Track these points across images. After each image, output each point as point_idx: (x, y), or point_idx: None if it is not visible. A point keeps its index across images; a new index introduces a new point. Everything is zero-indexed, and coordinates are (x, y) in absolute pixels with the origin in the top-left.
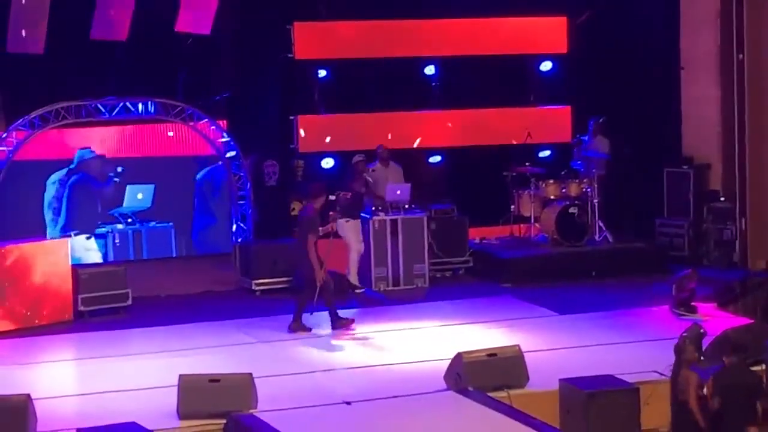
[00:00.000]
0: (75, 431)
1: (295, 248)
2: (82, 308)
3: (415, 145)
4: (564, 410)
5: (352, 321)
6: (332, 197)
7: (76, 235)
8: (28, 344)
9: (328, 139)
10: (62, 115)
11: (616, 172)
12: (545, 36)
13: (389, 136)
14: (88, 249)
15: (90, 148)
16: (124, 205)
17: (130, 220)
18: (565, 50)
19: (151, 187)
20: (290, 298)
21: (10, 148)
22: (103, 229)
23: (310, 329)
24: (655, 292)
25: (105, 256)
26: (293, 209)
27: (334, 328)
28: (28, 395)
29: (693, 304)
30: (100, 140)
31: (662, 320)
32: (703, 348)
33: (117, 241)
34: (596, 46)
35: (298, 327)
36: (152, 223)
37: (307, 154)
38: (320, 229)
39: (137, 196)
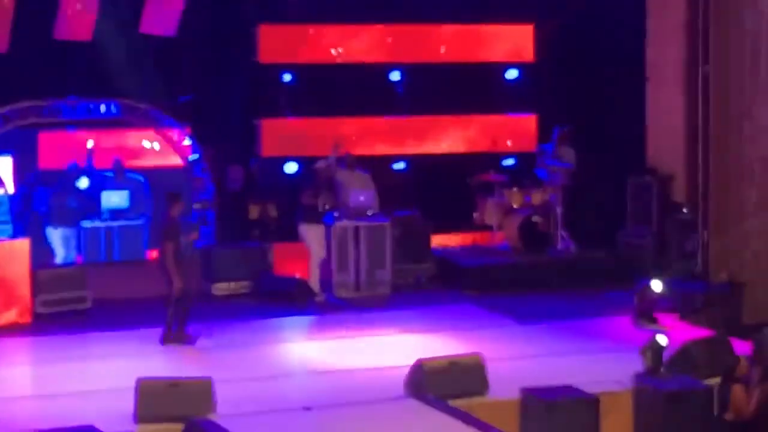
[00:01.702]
0: None
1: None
2: (40, 310)
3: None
4: (524, 420)
5: (194, 340)
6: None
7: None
8: None
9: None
10: (24, 115)
11: (580, 182)
12: (512, 44)
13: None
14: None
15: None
16: (102, 208)
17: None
18: (531, 58)
19: (126, 192)
20: (252, 302)
21: None
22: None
23: (194, 340)
24: (617, 302)
25: (78, 250)
26: (251, 213)
27: (165, 341)
28: None
29: (655, 314)
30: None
31: (624, 330)
32: (664, 359)
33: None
34: (563, 55)
35: (178, 337)
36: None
37: (270, 159)
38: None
39: (111, 199)
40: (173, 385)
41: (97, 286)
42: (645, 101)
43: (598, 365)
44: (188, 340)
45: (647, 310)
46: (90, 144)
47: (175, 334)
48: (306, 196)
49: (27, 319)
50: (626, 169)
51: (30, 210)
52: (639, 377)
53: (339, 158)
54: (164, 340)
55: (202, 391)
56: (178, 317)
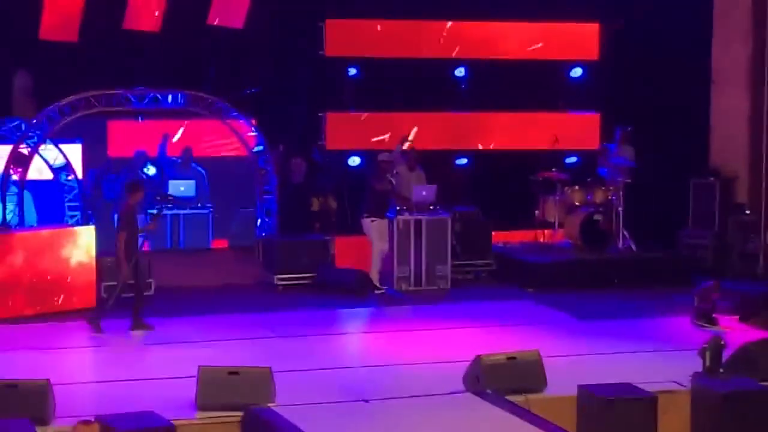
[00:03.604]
0: (93, 418)
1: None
2: (104, 296)
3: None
4: (581, 416)
5: (152, 328)
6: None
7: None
8: (50, 330)
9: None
10: (92, 104)
11: (642, 181)
12: (577, 42)
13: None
14: None
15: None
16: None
17: (170, 204)
18: (596, 57)
19: (192, 181)
20: (313, 294)
21: (38, 132)
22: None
23: (152, 327)
24: (677, 302)
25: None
26: (313, 205)
27: (131, 328)
28: (48, 380)
29: (714, 315)
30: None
31: (683, 331)
32: (723, 360)
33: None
34: (627, 55)
35: (136, 325)
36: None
37: (334, 152)
38: (142, 227)
39: (180, 189)
40: (233, 373)
41: (161, 274)
42: (709, 102)
43: (657, 364)
44: (149, 328)
45: (707, 311)
46: (165, 134)
47: (134, 321)
48: (378, 184)
49: (91, 305)
50: (689, 169)
51: (100, 197)
52: (697, 377)
53: (403, 153)
54: (133, 327)
55: (261, 379)
56: (136, 304)
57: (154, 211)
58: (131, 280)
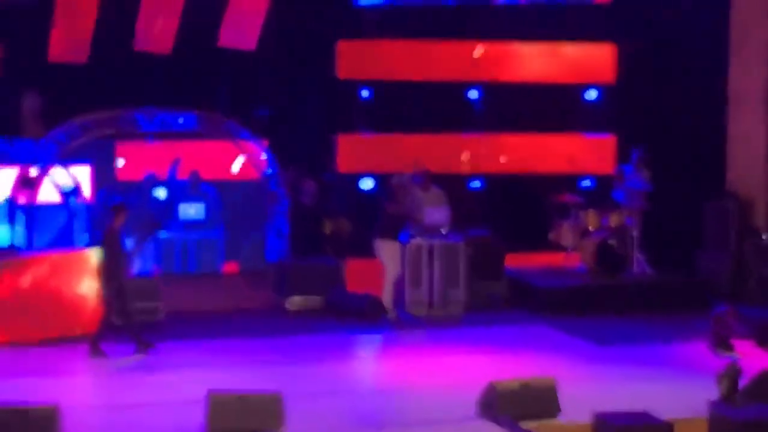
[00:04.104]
0: None
1: None
2: (112, 320)
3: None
4: None
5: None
6: None
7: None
8: (59, 354)
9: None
10: (101, 126)
11: (658, 204)
12: (593, 64)
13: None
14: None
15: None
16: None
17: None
18: (612, 79)
19: (202, 204)
20: (324, 318)
21: (47, 155)
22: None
23: (105, 355)
24: (693, 327)
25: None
26: (325, 228)
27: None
28: (57, 405)
29: (731, 341)
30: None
31: (699, 356)
32: (740, 387)
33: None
34: (643, 77)
35: (95, 351)
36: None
37: (346, 174)
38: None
39: (188, 211)
40: (243, 398)
41: (170, 298)
42: (726, 125)
43: (673, 391)
44: (103, 355)
45: (724, 337)
46: (177, 158)
47: (92, 347)
48: (391, 207)
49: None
50: (705, 192)
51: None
52: (714, 405)
53: (414, 175)
54: (139, 351)
55: (272, 405)
56: (99, 332)
57: (138, 236)
58: (113, 304)
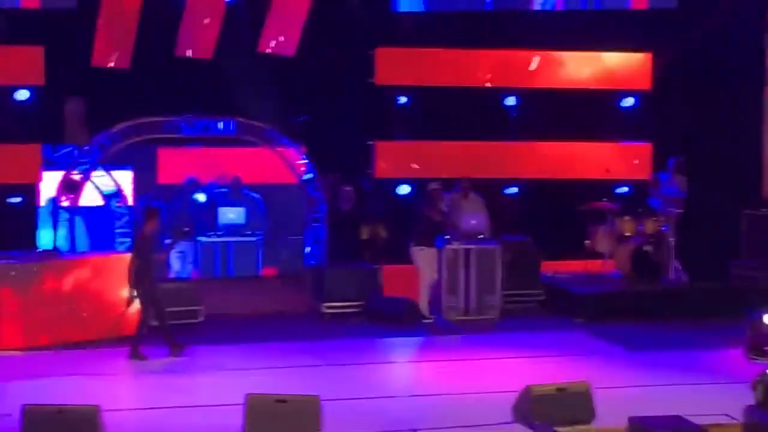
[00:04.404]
0: None
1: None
2: (152, 323)
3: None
4: None
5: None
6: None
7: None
8: (99, 356)
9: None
10: (143, 131)
11: (694, 212)
12: (629, 72)
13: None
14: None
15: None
16: (219, 224)
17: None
18: (648, 87)
19: (242, 209)
20: (361, 323)
21: (90, 159)
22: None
23: (145, 357)
24: (729, 334)
25: (194, 265)
26: (362, 233)
27: (130, 357)
28: (98, 406)
29: (766, 348)
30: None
31: (735, 363)
32: None
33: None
34: (680, 85)
35: (174, 351)
36: (239, 237)
37: (383, 180)
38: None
39: (228, 215)
40: (281, 401)
41: (210, 301)
42: (762, 133)
43: (708, 397)
44: (143, 357)
45: (759, 344)
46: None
47: (132, 350)
48: (428, 213)
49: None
50: (741, 200)
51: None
52: (749, 411)
53: (453, 181)
54: (172, 353)
55: (309, 408)
56: (137, 334)
57: (168, 241)
58: (148, 307)
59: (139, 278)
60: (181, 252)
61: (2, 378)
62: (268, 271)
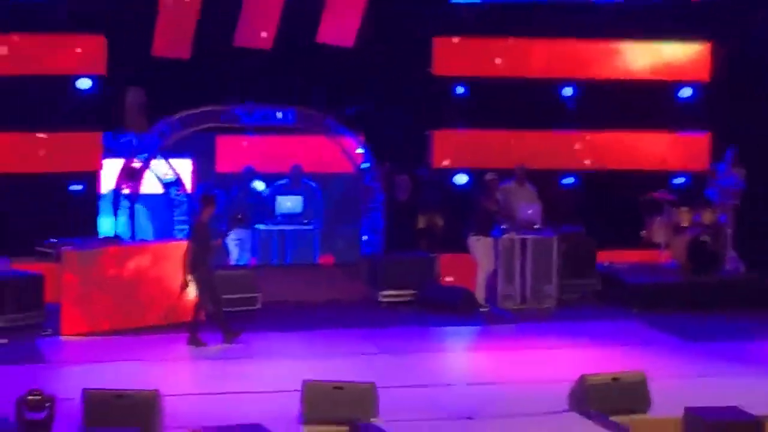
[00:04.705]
0: (201, 430)
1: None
2: (212, 310)
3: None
4: None
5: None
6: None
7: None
8: (158, 342)
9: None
10: (202, 120)
11: (751, 203)
12: (688, 62)
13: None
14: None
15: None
16: (276, 213)
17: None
18: (707, 77)
19: (300, 197)
20: (417, 311)
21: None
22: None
23: (204, 344)
24: None
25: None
26: (419, 222)
27: (188, 343)
28: (157, 391)
29: None
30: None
31: None
32: None
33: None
34: (739, 75)
35: (228, 337)
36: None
37: (440, 170)
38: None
39: (285, 204)
40: (338, 387)
41: (267, 289)
42: None
43: (765, 388)
44: (201, 343)
45: None
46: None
47: (190, 335)
48: (485, 203)
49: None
50: None
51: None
52: None
53: (509, 171)
54: (226, 340)
55: (365, 395)
56: (194, 321)
57: (224, 228)
58: (204, 293)
59: (195, 264)
60: (239, 239)
61: (64, 362)
62: (324, 260)
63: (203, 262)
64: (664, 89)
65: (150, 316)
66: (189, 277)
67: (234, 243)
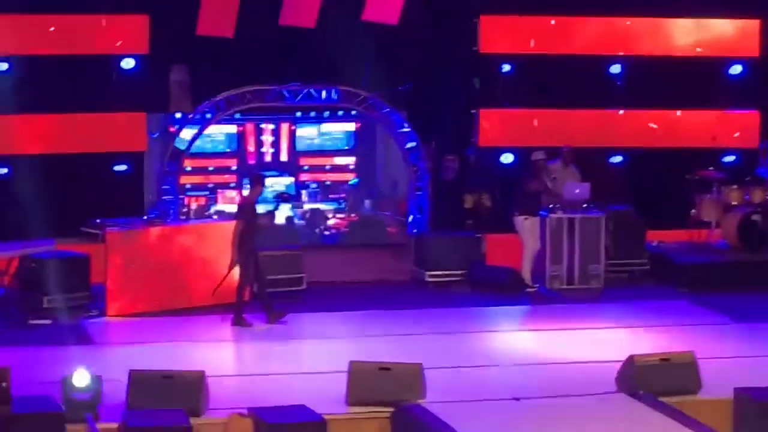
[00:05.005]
0: (246, 411)
1: None
2: (256, 290)
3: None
4: (738, 420)
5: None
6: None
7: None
8: (203, 322)
9: None
10: (247, 99)
11: None
12: (737, 39)
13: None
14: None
15: None
16: None
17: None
18: (757, 54)
19: None
20: (464, 291)
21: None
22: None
23: (249, 324)
24: None
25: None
26: (466, 202)
27: (233, 323)
28: (203, 372)
29: None
30: None
31: None
32: None
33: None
34: None
35: (272, 318)
36: None
37: (486, 149)
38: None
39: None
40: (384, 368)
41: (314, 269)
42: None
43: None
44: (246, 324)
45: None
46: None
47: (235, 316)
48: (532, 185)
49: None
50: None
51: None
52: None
53: (556, 149)
54: (270, 320)
55: (412, 376)
56: (239, 301)
57: (271, 207)
58: (248, 273)
59: (242, 243)
60: (288, 218)
61: (110, 343)
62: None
63: (250, 240)
64: (714, 66)
65: (195, 297)
66: (237, 256)
67: (282, 221)
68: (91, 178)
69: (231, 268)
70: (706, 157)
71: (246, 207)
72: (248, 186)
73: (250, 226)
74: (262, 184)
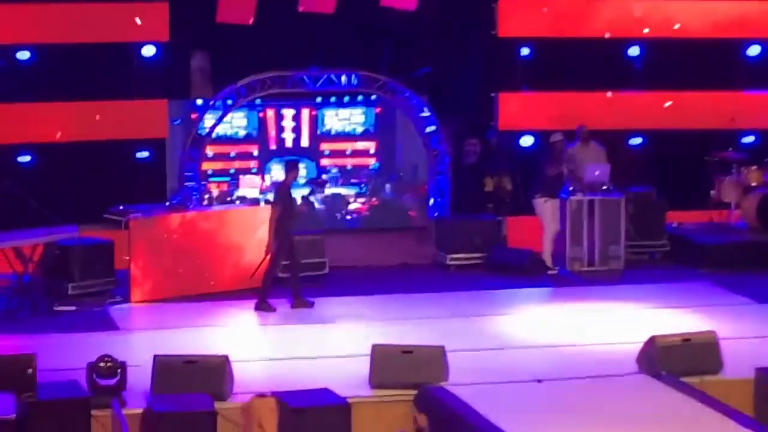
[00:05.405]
0: (270, 394)
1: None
2: (280, 275)
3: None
4: (759, 400)
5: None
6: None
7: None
8: (226, 307)
9: None
10: (267, 85)
11: None
12: (755, 19)
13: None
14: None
15: None
16: None
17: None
18: None
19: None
20: (485, 274)
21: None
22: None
23: (311, 304)
24: None
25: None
26: (487, 185)
27: (293, 306)
28: (227, 356)
29: None
30: None
31: None
32: None
33: None
34: None
35: (297, 303)
36: None
37: (506, 132)
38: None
39: None
40: (407, 351)
41: (335, 253)
42: None
43: None
44: (270, 308)
45: None
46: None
47: (259, 300)
48: (550, 168)
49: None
50: None
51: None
52: None
53: (573, 131)
54: (295, 305)
55: (435, 358)
56: (265, 285)
57: (306, 193)
58: (285, 258)
59: (278, 228)
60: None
61: (134, 328)
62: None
63: (285, 225)
64: (732, 47)
65: (218, 282)
66: (273, 241)
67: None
68: (113, 165)
69: (267, 252)
70: (725, 139)
71: (283, 192)
72: (283, 171)
73: (286, 210)
74: (297, 169)
